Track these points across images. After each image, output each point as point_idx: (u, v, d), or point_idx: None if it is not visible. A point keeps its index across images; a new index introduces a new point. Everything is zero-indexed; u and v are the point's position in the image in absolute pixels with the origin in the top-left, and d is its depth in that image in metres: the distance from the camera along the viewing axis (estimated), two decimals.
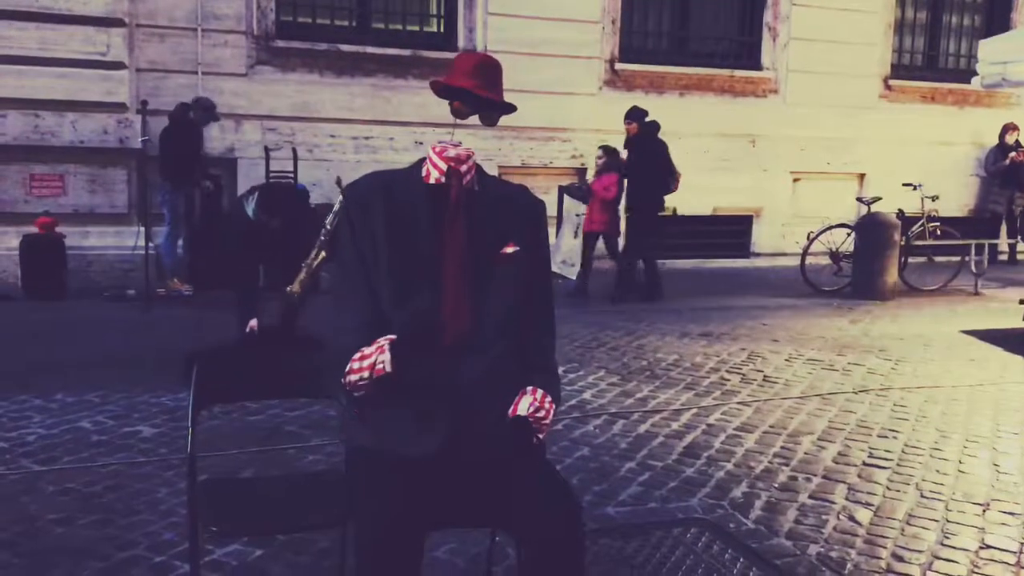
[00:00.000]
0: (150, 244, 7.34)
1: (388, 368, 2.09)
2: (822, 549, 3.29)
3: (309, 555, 3.08)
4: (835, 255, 9.18)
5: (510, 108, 2.41)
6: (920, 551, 3.29)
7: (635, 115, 8.34)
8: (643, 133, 8.28)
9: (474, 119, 2.45)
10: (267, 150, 8.30)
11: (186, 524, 2.50)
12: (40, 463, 3.93)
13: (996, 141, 11.32)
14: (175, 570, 2.98)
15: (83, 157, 8.10)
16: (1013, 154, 11.07)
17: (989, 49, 8.23)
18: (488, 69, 2.38)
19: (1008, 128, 11.25)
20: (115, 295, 7.56)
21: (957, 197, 11.32)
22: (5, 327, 6.54)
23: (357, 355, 2.14)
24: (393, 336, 2.11)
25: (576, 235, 9.01)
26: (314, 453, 4.13)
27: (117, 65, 8.06)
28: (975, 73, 8.56)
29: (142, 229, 7.45)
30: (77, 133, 8.03)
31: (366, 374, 2.11)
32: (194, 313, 6.71)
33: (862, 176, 11.14)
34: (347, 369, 2.15)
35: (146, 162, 7.68)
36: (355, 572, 2.04)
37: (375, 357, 2.11)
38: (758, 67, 10.64)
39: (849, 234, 9.09)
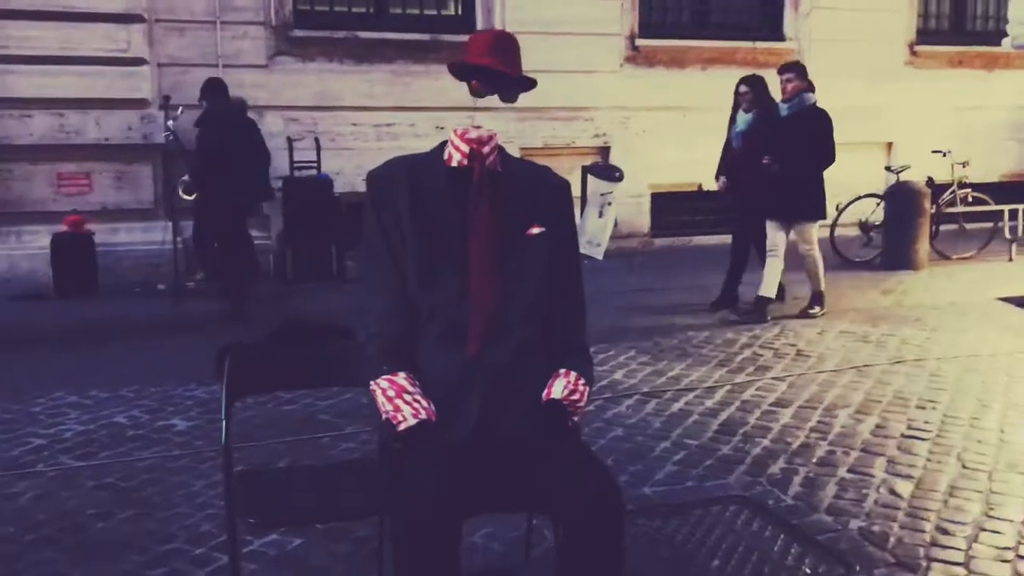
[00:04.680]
0: (179, 237, 7.38)
1: (408, 424, 2.12)
2: (864, 524, 3.24)
3: (347, 543, 3.08)
4: (865, 225, 9.06)
5: (529, 83, 2.36)
6: (965, 523, 3.24)
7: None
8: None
9: (495, 101, 2.41)
10: (290, 141, 8.31)
11: (223, 516, 2.50)
12: (78, 459, 3.96)
13: None
14: (215, 562, 2.99)
15: (108, 154, 8.15)
16: None
17: (1019, 8, 8.05)
18: (504, 44, 2.33)
19: None
20: (146, 290, 7.62)
21: (988, 162, 11.09)
22: (39, 325, 6.61)
23: (392, 391, 2.15)
24: (427, 416, 2.13)
25: (601, 215, 8.96)
26: (348, 441, 4.13)
27: (138, 61, 8.09)
28: (1004, 34, 8.38)
29: (169, 224, 7.49)
30: (101, 130, 8.08)
31: (394, 413, 2.14)
32: (224, 306, 6.74)
33: (890, 145, 10.95)
34: (381, 401, 2.16)
35: (171, 157, 7.71)
36: (393, 559, 2.03)
37: (406, 411, 2.12)
38: (781, 38, 10.48)
39: (878, 204, 8.96)
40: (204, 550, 3.08)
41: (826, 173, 6.53)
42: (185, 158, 7.12)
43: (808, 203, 6.42)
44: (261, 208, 8.15)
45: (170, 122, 7.13)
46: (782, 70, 6.51)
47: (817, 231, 6.60)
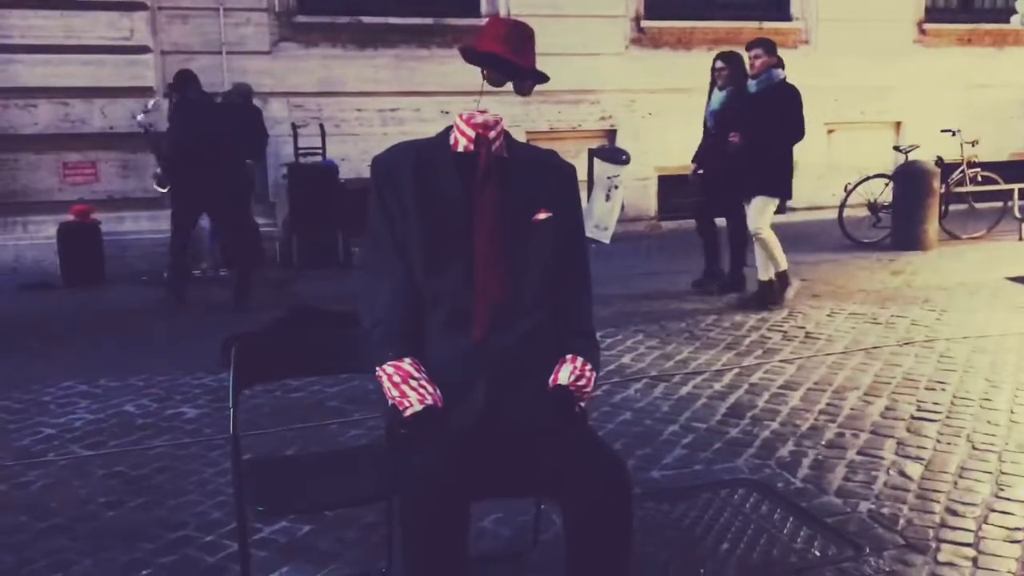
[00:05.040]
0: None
1: (414, 410, 2.12)
2: (873, 506, 3.24)
3: (356, 529, 3.09)
4: (873, 206, 9.01)
5: (542, 77, 2.36)
6: (974, 504, 3.23)
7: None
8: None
9: (504, 86, 2.40)
10: (294, 127, 8.30)
11: (233, 503, 2.51)
12: (88, 448, 3.98)
13: None
14: (225, 549, 3.00)
15: (114, 143, 8.15)
16: None
17: None
18: (519, 35, 2.33)
19: None
20: (152, 279, 7.63)
21: (998, 141, 11.01)
22: (47, 315, 6.63)
23: (398, 377, 2.14)
24: (433, 401, 2.12)
25: (608, 199, 8.94)
26: (356, 428, 4.14)
27: (142, 49, 8.08)
28: (1013, 11, 8.31)
29: None
30: (107, 119, 8.07)
31: (399, 399, 2.14)
32: (230, 293, 6.74)
33: (898, 124, 10.89)
34: (387, 387, 2.16)
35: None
36: (402, 544, 2.04)
37: (412, 397, 2.12)
38: (788, 18, 10.41)
39: (887, 184, 8.90)
40: (214, 537, 3.09)
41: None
42: (157, 150, 7.12)
43: (772, 178, 6.20)
44: (267, 194, 8.14)
45: (140, 116, 7.17)
46: (750, 46, 6.29)
47: (772, 213, 6.31)
